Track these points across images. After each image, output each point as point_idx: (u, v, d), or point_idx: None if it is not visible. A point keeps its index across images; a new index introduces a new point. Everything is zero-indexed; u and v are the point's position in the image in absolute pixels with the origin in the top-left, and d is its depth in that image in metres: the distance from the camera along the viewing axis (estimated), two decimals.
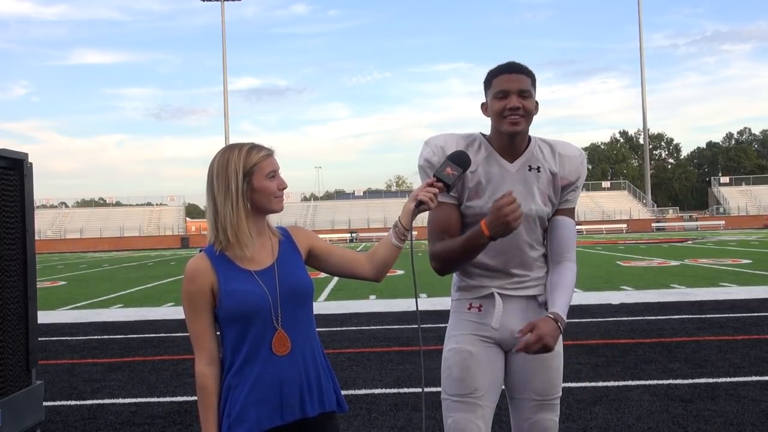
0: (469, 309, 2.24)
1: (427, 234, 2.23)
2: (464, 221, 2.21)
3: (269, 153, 1.90)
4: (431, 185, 1.96)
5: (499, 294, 2.20)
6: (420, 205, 1.94)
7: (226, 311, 1.82)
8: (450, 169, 1.97)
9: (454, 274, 2.30)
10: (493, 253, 2.18)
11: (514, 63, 2.16)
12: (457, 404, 2.20)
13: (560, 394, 2.26)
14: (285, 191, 1.94)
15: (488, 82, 2.18)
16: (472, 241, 2.04)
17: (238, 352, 1.83)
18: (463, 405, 2.19)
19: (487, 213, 2.06)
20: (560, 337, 2.23)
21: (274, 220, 2.02)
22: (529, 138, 2.23)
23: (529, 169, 2.19)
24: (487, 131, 2.26)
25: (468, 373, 2.19)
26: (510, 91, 2.10)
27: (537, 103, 2.18)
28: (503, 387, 2.28)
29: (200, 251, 1.90)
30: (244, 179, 1.84)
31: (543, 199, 2.20)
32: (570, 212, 2.28)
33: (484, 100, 2.21)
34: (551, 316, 2.07)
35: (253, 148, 1.88)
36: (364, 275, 2.02)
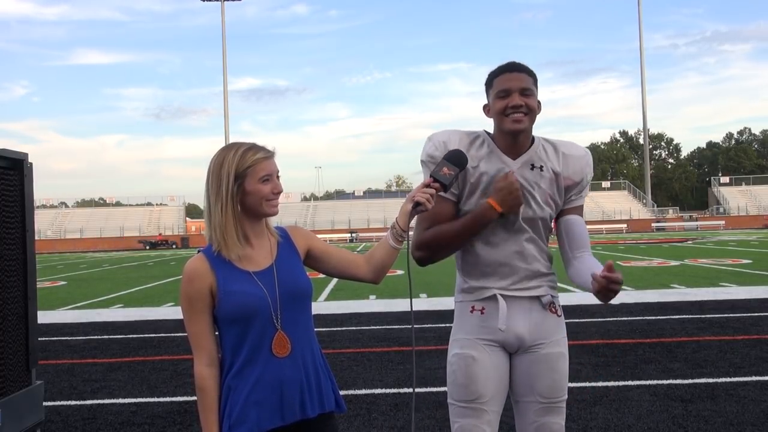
0: (471, 312, 2.22)
1: (415, 225, 2.21)
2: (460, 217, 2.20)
3: (266, 156, 1.87)
4: (428, 186, 1.95)
5: (502, 295, 2.18)
6: (417, 206, 1.93)
7: (226, 312, 1.81)
8: (447, 169, 1.97)
9: (458, 276, 2.28)
10: (494, 253, 2.17)
11: (515, 63, 2.16)
12: (463, 410, 2.17)
13: (566, 397, 2.22)
14: (285, 192, 1.94)
15: (489, 83, 2.17)
16: (478, 218, 2.09)
17: (238, 354, 1.82)
18: (468, 410, 2.17)
19: None
20: (565, 340, 2.23)
21: (273, 220, 2.01)
22: (533, 138, 2.22)
23: (531, 168, 2.17)
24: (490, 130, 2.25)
25: (472, 379, 2.16)
26: (512, 89, 2.09)
27: (539, 102, 2.17)
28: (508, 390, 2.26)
29: (198, 252, 1.89)
30: (236, 181, 1.83)
31: (544, 199, 2.18)
32: (579, 210, 2.26)
33: (486, 102, 2.20)
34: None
35: (251, 149, 1.86)
36: (362, 277, 2.01)
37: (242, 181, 1.83)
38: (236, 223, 1.85)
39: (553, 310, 2.23)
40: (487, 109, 2.20)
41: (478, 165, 2.16)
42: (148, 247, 51.46)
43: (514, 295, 2.18)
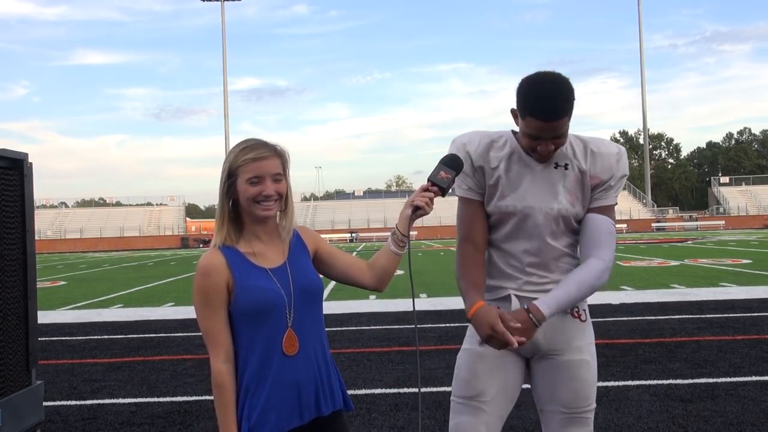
0: None
1: (456, 232, 2.17)
2: (489, 219, 2.13)
3: (257, 157, 1.82)
4: (426, 190, 1.94)
5: (517, 296, 2.09)
6: (416, 211, 1.92)
7: (243, 307, 1.79)
8: (444, 173, 1.95)
9: None
10: (513, 252, 2.09)
11: (551, 108, 1.89)
12: (462, 406, 2.10)
13: (593, 407, 2.11)
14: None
15: (522, 108, 1.96)
16: (466, 304, 2.05)
17: (252, 352, 1.80)
18: (467, 408, 2.09)
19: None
20: (591, 346, 2.13)
21: None
22: None
23: (555, 167, 2.06)
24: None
25: (474, 375, 2.09)
26: (543, 138, 1.95)
27: (568, 125, 2.03)
28: (524, 396, 2.23)
29: (214, 246, 1.88)
30: (229, 178, 1.84)
31: (570, 199, 2.06)
32: (602, 210, 2.09)
33: (514, 107, 2.02)
34: (526, 307, 1.98)
35: (248, 148, 1.84)
36: (366, 284, 2.00)
37: (235, 180, 1.83)
38: (229, 218, 1.86)
39: (576, 314, 2.12)
40: (514, 114, 2.04)
41: (498, 166, 2.07)
42: (202, 245, 53.29)
43: (530, 297, 2.07)
